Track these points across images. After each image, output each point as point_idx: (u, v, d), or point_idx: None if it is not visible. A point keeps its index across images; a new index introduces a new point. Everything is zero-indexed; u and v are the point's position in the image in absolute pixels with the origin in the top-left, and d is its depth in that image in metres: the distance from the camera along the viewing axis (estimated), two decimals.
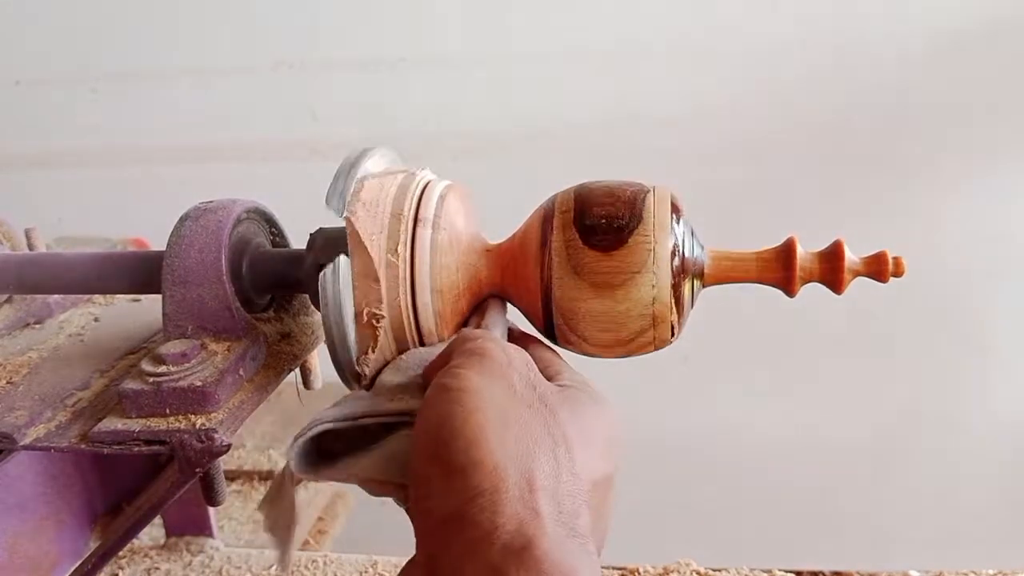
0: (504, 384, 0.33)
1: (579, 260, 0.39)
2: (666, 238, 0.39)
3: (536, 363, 0.37)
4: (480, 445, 0.30)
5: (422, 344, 0.42)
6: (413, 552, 0.32)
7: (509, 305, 0.44)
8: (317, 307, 0.48)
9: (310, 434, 0.37)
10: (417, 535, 0.31)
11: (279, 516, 0.39)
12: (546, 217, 0.41)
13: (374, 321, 0.40)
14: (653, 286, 0.39)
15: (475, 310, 0.43)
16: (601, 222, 0.39)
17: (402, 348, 0.42)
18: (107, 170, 1.30)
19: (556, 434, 0.32)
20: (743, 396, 1.29)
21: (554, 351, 0.42)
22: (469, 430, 0.30)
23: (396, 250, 0.40)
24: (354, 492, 1.01)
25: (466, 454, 0.30)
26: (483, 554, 0.28)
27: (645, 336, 0.40)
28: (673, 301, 0.39)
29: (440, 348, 0.39)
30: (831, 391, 1.29)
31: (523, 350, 0.37)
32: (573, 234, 0.39)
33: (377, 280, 0.40)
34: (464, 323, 0.43)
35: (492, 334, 0.37)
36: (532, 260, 0.40)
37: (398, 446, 0.36)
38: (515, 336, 0.43)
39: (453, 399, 0.32)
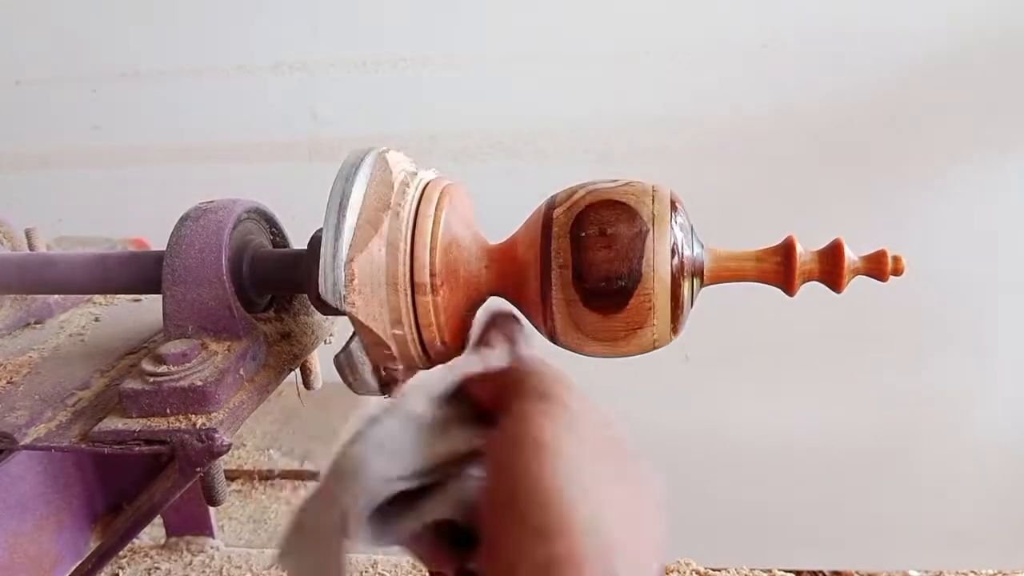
0: (581, 439, 0.32)
1: (581, 319, 0.40)
2: (665, 291, 0.39)
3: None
4: (562, 509, 0.29)
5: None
6: None
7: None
8: (317, 307, 0.48)
9: (378, 501, 0.34)
10: None
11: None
12: (545, 218, 0.41)
13: (391, 365, 0.42)
14: (654, 334, 0.40)
15: (490, 324, 0.41)
16: (600, 285, 0.39)
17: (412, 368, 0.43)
18: (107, 170, 1.30)
19: (634, 488, 0.32)
20: (743, 396, 1.29)
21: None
22: (551, 493, 0.29)
23: (400, 322, 0.40)
24: None
25: (547, 517, 0.29)
26: None
27: (645, 339, 0.40)
28: (672, 308, 0.39)
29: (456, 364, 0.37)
30: (831, 391, 1.29)
31: (578, 387, 0.35)
32: (573, 295, 0.39)
33: (388, 347, 0.41)
34: (467, 326, 0.44)
35: (551, 367, 0.36)
36: (534, 278, 0.40)
37: (460, 492, 0.35)
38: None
39: (531, 456, 0.30)
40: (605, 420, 0.34)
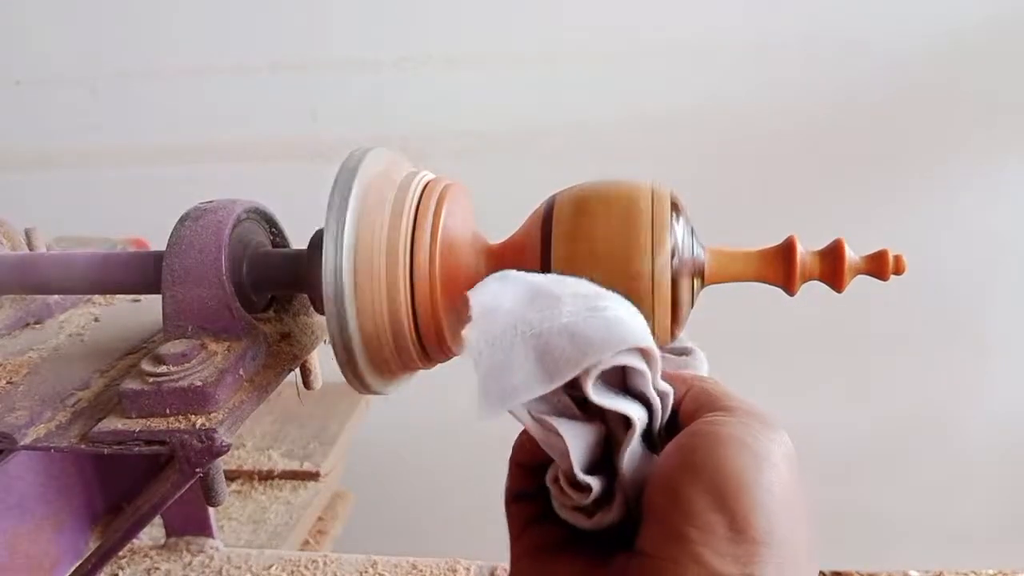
0: (790, 467, 0.32)
1: None
2: (665, 291, 0.38)
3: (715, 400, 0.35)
4: (775, 529, 0.29)
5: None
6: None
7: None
8: (317, 308, 0.48)
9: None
10: (664, 569, 0.29)
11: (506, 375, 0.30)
12: (545, 219, 0.41)
13: (391, 364, 0.43)
14: (654, 334, 0.39)
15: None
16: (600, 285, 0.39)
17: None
18: (107, 170, 1.30)
19: (811, 535, 0.32)
20: (743, 395, 1.29)
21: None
22: (770, 508, 0.29)
23: (400, 321, 0.41)
24: (355, 492, 1.01)
25: (763, 532, 0.29)
26: None
27: None
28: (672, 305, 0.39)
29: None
30: (831, 391, 1.29)
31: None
32: None
33: (387, 347, 0.42)
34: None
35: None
36: (532, 264, 0.40)
37: (636, 451, 0.33)
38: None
39: (758, 466, 0.30)
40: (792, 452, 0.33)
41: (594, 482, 0.32)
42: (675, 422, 0.34)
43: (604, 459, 0.33)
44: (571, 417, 0.32)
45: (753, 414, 0.33)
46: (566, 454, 0.31)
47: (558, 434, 0.31)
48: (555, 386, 0.30)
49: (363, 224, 0.40)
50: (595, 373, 0.30)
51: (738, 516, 0.29)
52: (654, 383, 0.33)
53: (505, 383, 0.29)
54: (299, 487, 0.93)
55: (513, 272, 0.34)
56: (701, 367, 0.41)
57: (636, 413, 0.32)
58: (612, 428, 0.33)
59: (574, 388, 0.31)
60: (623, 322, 0.31)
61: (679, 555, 0.29)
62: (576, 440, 0.31)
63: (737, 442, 0.31)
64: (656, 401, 0.33)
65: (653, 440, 0.34)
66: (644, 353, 0.31)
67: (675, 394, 0.34)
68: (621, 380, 0.33)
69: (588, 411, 0.32)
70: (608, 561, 0.31)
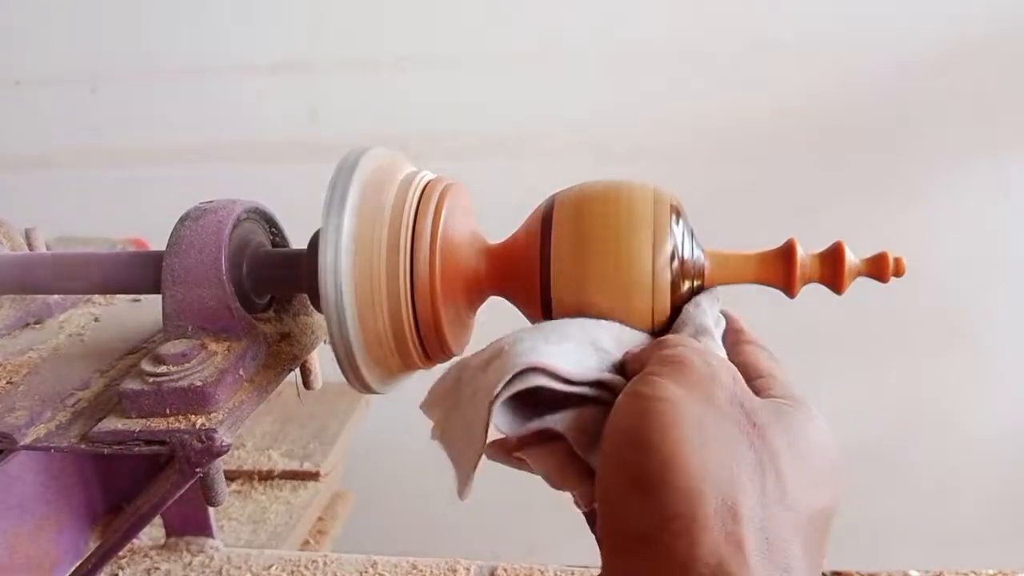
0: (704, 397, 0.30)
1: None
2: (665, 293, 0.38)
3: (748, 369, 0.34)
4: (677, 464, 0.27)
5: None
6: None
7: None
8: (317, 307, 0.48)
9: (520, 386, 0.32)
10: (603, 551, 0.29)
11: (463, 439, 0.33)
12: (545, 219, 0.41)
13: (391, 363, 0.43)
14: (654, 336, 0.39)
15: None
16: (601, 285, 0.39)
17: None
18: (107, 170, 1.30)
19: (764, 458, 0.29)
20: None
21: (773, 357, 0.38)
22: (666, 446, 0.28)
23: (400, 321, 0.41)
24: (355, 492, 1.01)
25: (661, 473, 0.27)
26: None
27: None
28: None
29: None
30: (831, 391, 1.29)
31: (729, 363, 0.34)
32: (574, 296, 0.39)
33: (387, 346, 0.42)
34: (467, 326, 0.44)
35: (693, 342, 0.34)
36: (534, 278, 0.40)
37: (592, 423, 0.33)
38: (731, 332, 0.40)
39: (648, 408, 0.29)
40: (742, 385, 0.32)
41: (580, 490, 0.33)
42: None
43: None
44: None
45: (668, 359, 0.32)
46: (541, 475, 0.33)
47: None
48: (481, 441, 0.32)
49: (362, 224, 0.40)
50: (494, 411, 0.31)
51: (633, 469, 0.28)
52: (581, 381, 0.33)
53: (457, 461, 0.33)
54: (299, 487, 0.93)
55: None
56: (713, 305, 0.40)
57: (554, 421, 0.33)
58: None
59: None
60: (511, 354, 0.33)
61: (606, 533, 0.29)
62: (539, 461, 0.33)
63: (632, 397, 0.30)
64: (594, 392, 0.34)
65: None
66: (541, 371, 0.32)
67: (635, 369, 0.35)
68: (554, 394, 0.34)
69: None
70: None
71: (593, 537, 0.33)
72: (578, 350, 0.35)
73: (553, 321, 0.38)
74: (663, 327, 0.39)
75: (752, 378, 0.34)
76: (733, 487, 0.27)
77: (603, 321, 0.38)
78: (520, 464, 0.33)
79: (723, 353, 0.37)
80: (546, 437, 0.33)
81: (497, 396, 0.31)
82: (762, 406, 0.31)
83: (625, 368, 0.36)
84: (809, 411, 0.32)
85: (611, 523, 0.28)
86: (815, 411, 0.33)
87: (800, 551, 0.27)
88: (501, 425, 0.32)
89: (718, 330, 0.39)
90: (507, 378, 0.32)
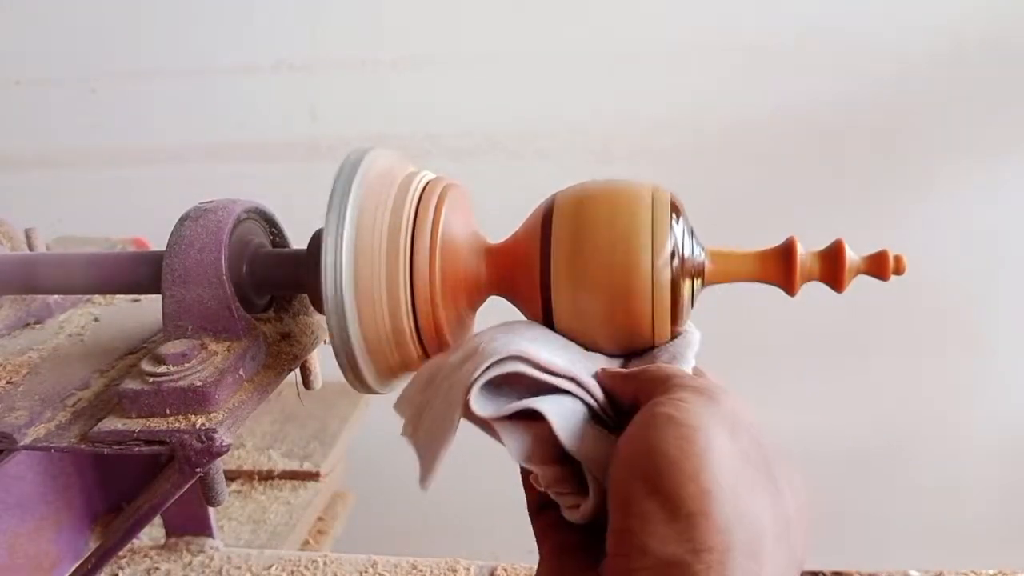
0: (732, 434, 0.30)
1: (582, 320, 0.40)
2: (665, 292, 0.38)
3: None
4: (714, 497, 0.28)
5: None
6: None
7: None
8: (317, 308, 0.48)
9: (499, 371, 0.33)
10: (619, 567, 0.29)
11: (433, 431, 0.34)
12: (545, 219, 0.41)
13: (391, 363, 0.43)
14: (654, 335, 0.40)
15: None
16: (601, 286, 0.39)
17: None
18: (107, 170, 1.30)
19: (778, 504, 0.30)
20: (742, 395, 1.29)
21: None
22: (703, 477, 0.28)
23: (400, 321, 0.41)
24: (355, 492, 1.01)
25: (698, 502, 0.28)
26: None
27: (644, 339, 0.40)
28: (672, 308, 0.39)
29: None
30: (831, 391, 1.29)
31: (743, 400, 0.34)
32: (574, 295, 0.39)
33: (387, 346, 0.42)
34: (467, 326, 0.44)
35: (715, 382, 0.35)
36: (534, 278, 0.40)
37: (589, 435, 0.34)
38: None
39: (684, 436, 0.29)
40: (758, 427, 0.33)
41: (543, 469, 0.33)
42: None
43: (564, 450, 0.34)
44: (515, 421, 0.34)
45: (692, 387, 0.32)
46: (510, 451, 0.34)
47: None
48: (452, 431, 0.32)
49: (363, 224, 0.40)
50: (472, 394, 0.32)
51: (669, 494, 0.28)
52: (560, 373, 0.34)
53: (424, 454, 0.33)
54: (299, 487, 0.93)
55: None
56: (690, 347, 0.41)
57: (546, 405, 0.33)
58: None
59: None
60: (489, 349, 0.34)
61: (628, 549, 0.28)
62: (512, 441, 0.33)
63: (665, 420, 0.30)
64: (571, 387, 0.34)
65: (612, 425, 0.36)
66: (520, 359, 0.34)
67: (632, 386, 0.35)
68: (530, 386, 0.34)
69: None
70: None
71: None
72: (553, 348, 0.37)
73: (523, 322, 0.41)
74: (663, 327, 0.40)
75: (666, 384, 0.35)
76: (758, 530, 0.28)
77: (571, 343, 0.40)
78: (491, 432, 0.34)
79: None
80: (522, 417, 0.33)
81: (476, 380, 0.32)
82: (774, 451, 0.32)
83: (607, 382, 0.36)
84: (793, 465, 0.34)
85: (637, 540, 0.28)
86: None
87: None
88: (479, 409, 0.32)
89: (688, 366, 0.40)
90: (488, 363, 0.33)
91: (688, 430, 0.29)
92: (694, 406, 0.31)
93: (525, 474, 0.37)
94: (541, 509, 0.36)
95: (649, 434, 0.30)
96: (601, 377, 0.37)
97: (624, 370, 0.37)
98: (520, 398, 0.33)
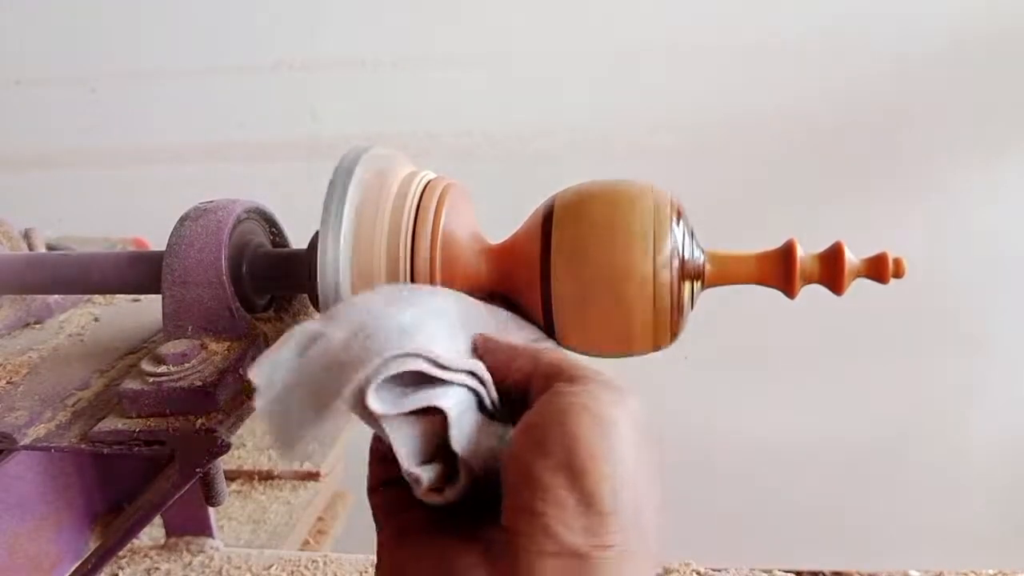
0: (635, 424, 0.31)
1: (582, 320, 0.40)
2: (665, 294, 0.39)
3: (561, 367, 0.35)
4: (622, 497, 0.29)
5: None
6: None
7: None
8: (317, 308, 0.48)
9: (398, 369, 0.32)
10: (521, 544, 0.29)
11: (305, 407, 0.32)
12: (545, 219, 0.41)
13: None
14: (654, 337, 0.40)
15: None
16: (601, 286, 0.39)
17: None
18: (107, 170, 1.30)
19: (657, 486, 0.32)
20: (743, 396, 1.29)
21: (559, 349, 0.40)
22: (617, 475, 0.29)
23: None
24: (355, 492, 1.01)
25: (611, 502, 0.29)
26: None
27: (644, 340, 0.40)
28: (672, 308, 0.39)
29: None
30: (831, 391, 1.29)
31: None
32: (575, 296, 0.39)
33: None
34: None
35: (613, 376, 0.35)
36: (535, 278, 0.40)
37: (476, 426, 0.34)
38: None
39: (605, 433, 0.30)
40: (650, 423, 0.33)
41: (426, 471, 0.33)
42: (527, 397, 0.34)
43: (443, 444, 0.33)
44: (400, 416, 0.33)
45: (599, 381, 0.32)
46: (399, 452, 0.33)
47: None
48: (329, 416, 0.31)
49: (362, 224, 0.40)
50: (371, 389, 0.31)
51: (586, 488, 0.29)
52: (459, 368, 0.34)
53: (286, 430, 0.32)
54: (299, 487, 0.93)
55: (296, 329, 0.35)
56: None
57: (446, 401, 0.33)
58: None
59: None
60: (379, 336, 0.32)
61: (532, 529, 0.29)
62: (402, 439, 0.33)
63: (582, 410, 0.30)
64: (466, 379, 0.34)
65: (493, 412, 0.35)
66: (420, 356, 0.32)
67: (524, 369, 0.35)
68: (424, 377, 0.33)
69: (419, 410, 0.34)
70: (479, 536, 0.32)
71: None
72: (446, 333, 0.35)
73: (408, 289, 0.38)
74: (662, 329, 0.39)
75: (568, 372, 0.34)
76: (649, 527, 0.30)
77: (446, 293, 0.38)
78: (373, 424, 0.33)
79: None
80: (411, 412, 0.33)
81: (373, 376, 0.31)
82: (654, 432, 0.33)
83: (493, 354, 0.36)
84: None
85: (545, 523, 0.29)
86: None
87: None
88: (378, 406, 0.32)
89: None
90: (385, 359, 0.32)
91: (605, 426, 0.30)
92: (607, 400, 0.31)
93: (374, 453, 0.37)
94: (382, 486, 0.36)
95: (566, 423, 0.30)
96: (483, 343, 0.36)
97: (513, 343, 0.37)
98: (410, 387, 0.33)
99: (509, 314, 0.41)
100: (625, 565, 0.29)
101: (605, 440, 0.30)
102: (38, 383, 0.46)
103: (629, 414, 0.31)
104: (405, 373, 0.32)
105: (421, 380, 0.33)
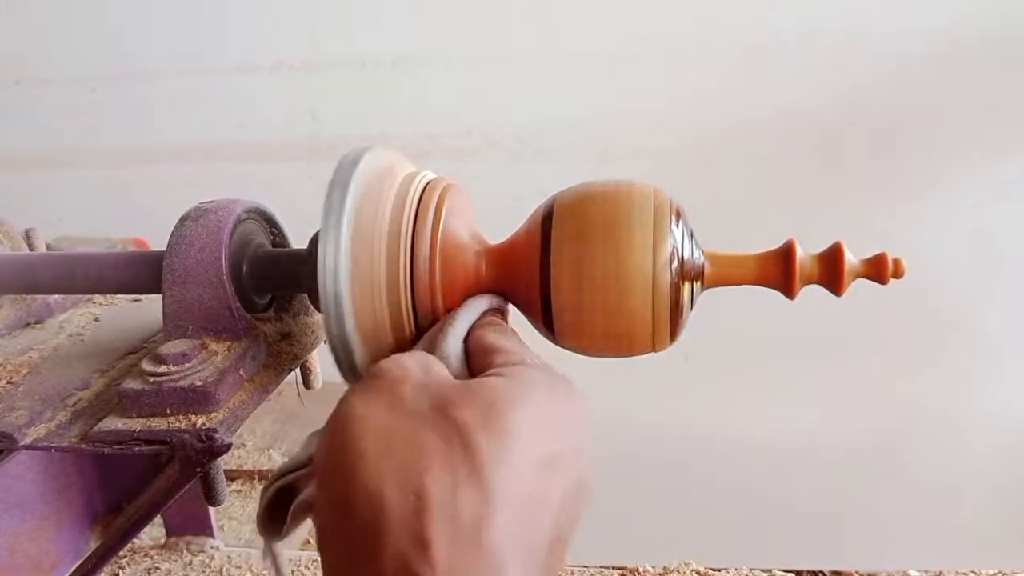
0: (390, 401, 0.29)
1: (582, 321, 0.40)
2: (665, 294, 0.38)
3: (478, 351, 0.35)
4: (358, 480, 0.27)
5: None
6: None
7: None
8: (317, 307, 0.48)
9: (271, 491, 0.37)
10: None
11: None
12: (545, 219, 0.41)
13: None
14: (654, 337, 0.40)
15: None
16: (601, 286, 0.39)
17: None
18: (107, 170, 1.30)
19: (453, 438, 0.27)
20: (743, 396, 1.29)
21: (504, 331, 0.38)
22: (349, 459, 0.28)
23: (399, 321, 0.40)
24: None
25: (347, 486, 0.27)
26: None
27: (644, 341, 0.40)
28: (671, 307, 0.39)
29: None
30: (831, 391, 1.29)
31: (428, 355, 0.33)
32: (574, 296, 0.39)
33: (386, 346, 0.41)
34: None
35: (402, 355, 0.34)
36: (534, 278, 0.40)
37: None
38: (474, 327, 0.39)
39: (337, 428, 0.30)
40: (439, 379, 0.31)
41: None
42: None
43: None
44: None
45: (368, 373, 0.33)
46: None
47: None
48: None
49: (362, 224, 0.40)
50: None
51: (332, 494, 0.29)
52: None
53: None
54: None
55: None
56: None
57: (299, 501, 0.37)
58: None
59: None
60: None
61: (324, 566, 0.29)
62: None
63: (328, 420, 0.31)
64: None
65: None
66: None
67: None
68: None
69: None
70: None
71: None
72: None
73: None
74: (662, 329, 0.40)
75: (482, 357, 0.34)
76: (418, 480, 0.26)
77: None
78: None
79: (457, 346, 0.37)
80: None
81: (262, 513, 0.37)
82: (451, 387, 0.30)
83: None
84: (531, 379, 0.31)
85: (322, 552, 0.28)
86: (549, 378, 0.31)
87: (500, 522, 0.26)
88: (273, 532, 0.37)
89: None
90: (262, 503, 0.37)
91: (341, 421, 0.31)
92: (353, 394, 0.32)
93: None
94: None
95: (322, 438, 0.31)
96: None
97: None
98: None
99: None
100: (386, 544, 0.25)
101: (334, 435, 0.30)
102: (38, 383, 0.46)
103: (377, 393, 0.31)
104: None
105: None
